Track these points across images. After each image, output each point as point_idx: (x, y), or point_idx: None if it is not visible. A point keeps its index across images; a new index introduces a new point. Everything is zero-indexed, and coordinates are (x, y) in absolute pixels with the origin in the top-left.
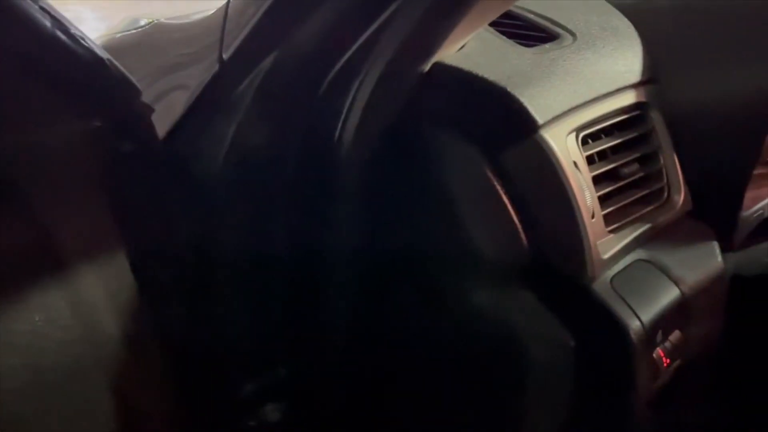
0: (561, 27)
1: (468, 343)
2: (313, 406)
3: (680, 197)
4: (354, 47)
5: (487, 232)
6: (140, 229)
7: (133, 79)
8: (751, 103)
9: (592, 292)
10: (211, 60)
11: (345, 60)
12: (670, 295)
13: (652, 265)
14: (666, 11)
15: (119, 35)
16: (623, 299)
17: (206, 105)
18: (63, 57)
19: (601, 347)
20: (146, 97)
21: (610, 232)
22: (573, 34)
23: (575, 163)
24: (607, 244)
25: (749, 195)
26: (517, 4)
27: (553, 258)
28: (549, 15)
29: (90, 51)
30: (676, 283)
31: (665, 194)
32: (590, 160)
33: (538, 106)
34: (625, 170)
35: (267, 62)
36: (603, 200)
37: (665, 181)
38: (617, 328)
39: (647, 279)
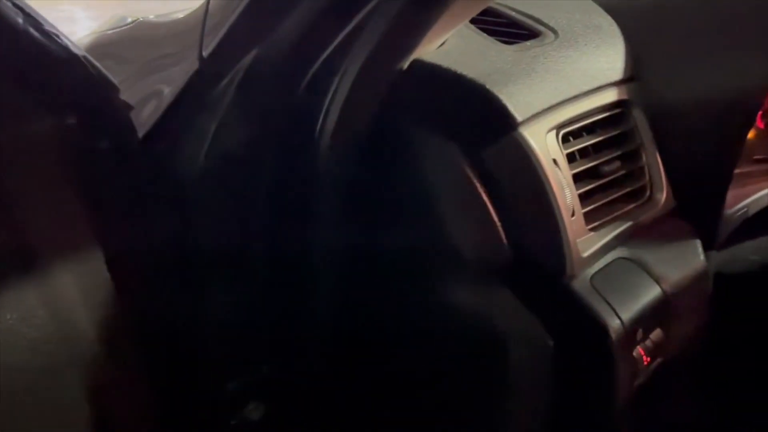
0: (543, 24)
1: (448, 341)
2: (294, 404)
3: (662, 195)
4: (333, 44)
5: (466, 230)
6: (117, 227)
7: (111, 77)
8: (732, 101)
9: (571, 290)
10: (192, 58)
11: (324, 57)
12: (651, 293)
13: (633, 263)
14: (649, 9)
15: (103, 33)
16: (603, 297)
17: (187, 103)
18: (35, 53)
19: (580, 345)
20: (128, 95)
21: (591, 230)
22: (555, 32)
23: (555, 161)
24: (588, 242)
25: (733, 193)
26: (500, 1)
27: (533, 256)
28: (531, 12)
29: (64, 48)
30: (658, 282)
31: (647, 192)
32: (571, 157)
33: (517, 104)
34: (607, 168)
35: (247, 60)
36: (584, 198)
37: (647, 179)
38: (597, 326)
39: (628, 277)
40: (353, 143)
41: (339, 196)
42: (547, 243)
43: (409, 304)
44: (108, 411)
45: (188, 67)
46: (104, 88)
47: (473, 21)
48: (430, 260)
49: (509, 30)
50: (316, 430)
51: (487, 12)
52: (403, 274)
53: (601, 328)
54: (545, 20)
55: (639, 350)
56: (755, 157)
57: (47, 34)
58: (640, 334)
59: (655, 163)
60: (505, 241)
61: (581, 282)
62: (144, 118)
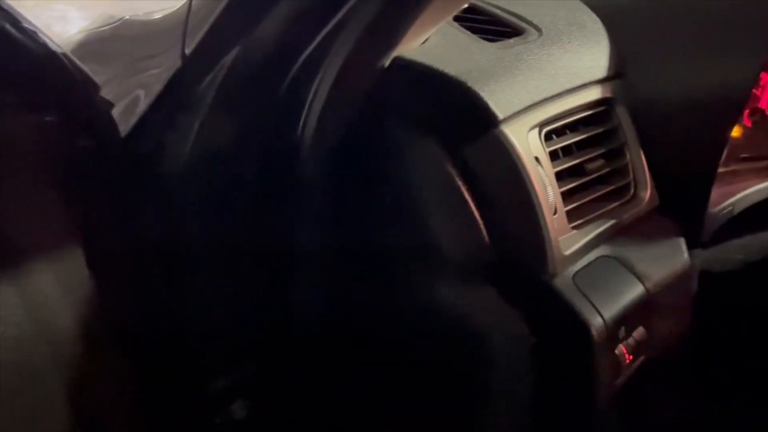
0: (526, 22)
1: (431, 339)
2: (279, 403)
3: (646, 193)
4: (315, 42)
5: (448, 227)
6: (99, 225)
7: (91, 74)
8: (716, 99)
9: (553, 288)
10: (174, 56)
11: (306, 55)
12: (633, 291)
13: (616, 261)
14: (634, 7)
15: (89, 32)
16: (585, 295)
17: (170, 101)
18: (12, 51)
19: (562, 343)
20: (112, 93)
21: (574, 228)
22: (539, 30)
23: (537, 159)
24: (570, 240)
25: (719, 191)
26: None
27: (515, 254)
28: (515, 10)
29: (42, 46)
30: (641, 280)
31: (631, 190)
32: (554, 155)
33: (498, 101)
34: (590, 166)
35: (229, 58)
36: (567, 196)
37: (631, 177)
38: (578, 324)
39: (611, 275)
40: (336, 140)
41: (322, 193)
42: (529, 241)
43: (393, 302)
44: (90, 410)
45: (171, 65)
46: (84, 85)
47: (456, 18)
48: (412, 258)
49: (493, 27)
50: (301, 429)
51: (471, 9)
52: (386, 272)
53: (583, 326)
54: (529, 18)
55: (621, 348)
56: (742, 155)
57: (25, 32)
58: (622, 332)
59: (639, 161)
60: (487, 239)
61: (563, 280)
62: (127, 116)
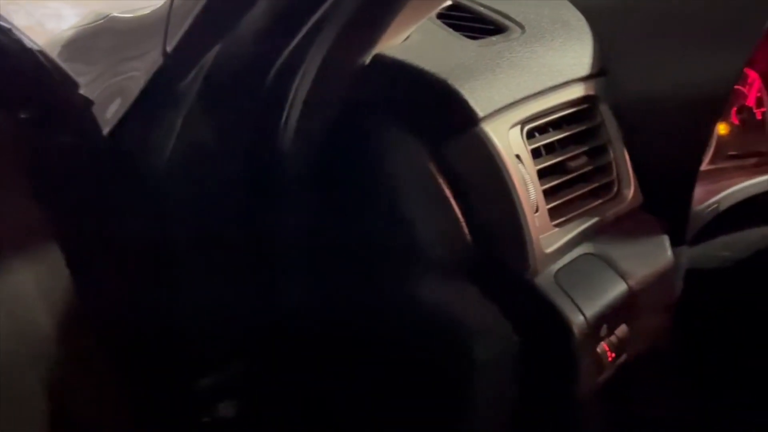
0: (510, 19)
1: (413, 337)
2: (267, 402)
3: (630, 191)
4: (296, 39)
5: (430, 226)
6: (81, 224)
7: (68, 71)
8: (699, 96)
9: (535, 286)
10: (156, 54)
11: (288, 52)
12: (616, 289)
13: (599, 259)
14: (618, 4)
15: (75, 29)
16: (566, 293)
17: (152, 98)
18: None
19: (544, 341)
20: (96, 90)
21: (556, 225)
22: (522, 27)
23: (519, 157)
24: (552, 238)
25: (705, 189)
26: None
27: (496, 252)
28: (499, 7)
29: (17, 42)
30: (623, 277)
31: (615, 188)
32: (537, 153)
33: (479, 99)
34: (573, 164)
35: (211, 55)
36: (549, 194)
37: (614, 174)
38: (559, 322)
39: (593, 273)
40: (318, 137)
41: (305, 190)
42: (510, 239)
43: (377, 301)
44: (72, 410)
45: (153, 62)
46: (61, 82)
47: (439, 16)
48: (395, 256)
49: (475, 25)
50: (289, 427)
51: (454, 7)
52: (370, 270)
53: (564, 324)
54: (513, 15)
55: (603, 346)
56: (729, 153)
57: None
58: (604, 330)
59: (622, 158)
60: (469, 237)
61: (545, 278)
62: (110, 113)
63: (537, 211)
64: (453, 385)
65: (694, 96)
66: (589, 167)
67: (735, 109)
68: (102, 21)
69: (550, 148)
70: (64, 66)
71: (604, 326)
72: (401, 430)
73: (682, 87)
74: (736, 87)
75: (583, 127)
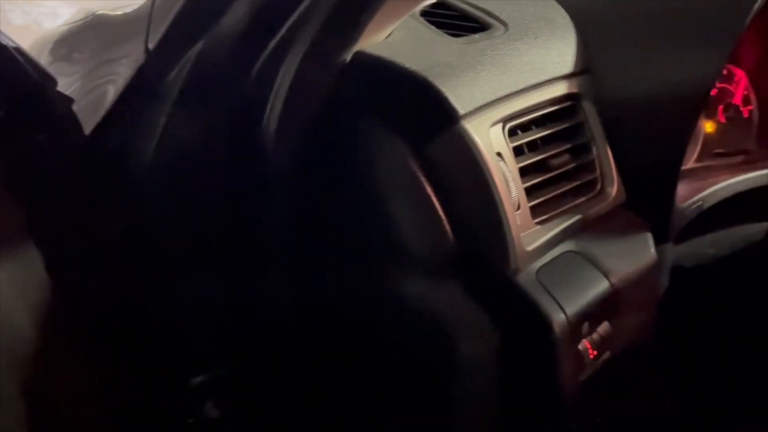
0: (493, 17)
1: (395, 334)
2: (254, 403)
3: (613, 189)
4: (278, 36)
5: (412, 223)
6: (58, 224)
7: (47, 69)
8: (680, 93)
9: (516, 284)
10: (139, 51)
11: (269, 49)
12: (598, 286)
13: (581, 257)
14: (602, 1)
15: (63, 27)
16: (548, 291)
17: (135, 96)
18: None
19: (525, 339)
20: (79, 89)
21: (538, 223)
22: (505, 25)
23: (500, 154)
24: (533, 236)
25: (691, 186)
26: None
27: (477, 250)
28: (483, 5)
29: None
30: (606, 275)
31: (598, 186)
32: (519, 151)
33: (460, 97)
34: (555, 161)
35: (193, 52)
36: (531, 192)
37: (598, 172)
38: (540, 319)
39: (575, 271)
40: (299, 134)
41: (288, 189)
42: (491, 237)
43: (358, 298)
44: (52, 412)
45: (135, 60)
46: (39, 80)
47: (422, 13)
48: (377, 253)
49: (459, 23)
50: (275, 428)
51: (438, 5)
52: (351, 267)
53: (545, 322)
54: (497, 13)
55: (585, 344)
56: (716, 151)
57: None
58: (586, 327)
59: (605, 156)
60: (451, 234)
61: (526, 276)
62: (94, 112)
63: (518, 208)
64: (435, 383)
65: (676, 93)
66: (572, 165)
67: (722, 107)
68: (88, 19)
69: (532, 146)
70: (52, 65)
71: (586, 324)
72: (385, 427)
73: (664, 85)
74: (723, 85)
75: (566, 125)
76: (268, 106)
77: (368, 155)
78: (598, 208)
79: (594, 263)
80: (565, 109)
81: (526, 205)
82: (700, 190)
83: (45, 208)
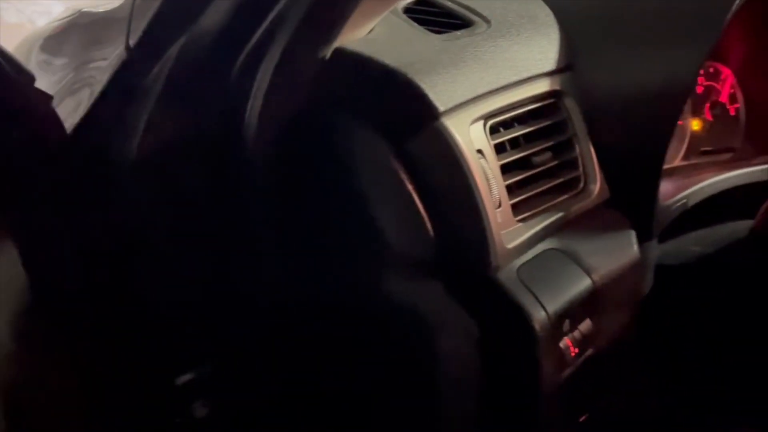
0: (476, 14)
1: (378, 332)
2: (240, 402)
3: (596, 186)
4: (259, 32)
5: (393, 220)
6: (36, 222)
7: (24, 65)
8: (661, 90)
9: (496, 282)
10: (120, 48)
11: (251, 45)
12: (580, 284)
13: (563, 254)
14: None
15: (51, 24)
16: (528, 288)
17: (116, 94)
18: None
19: (506, 337)
20: (61, 86)
21: (519, 221)
22: (488, 21)
23: (481, 152)
24: (514, 234)
25: (675, 184)
26: None
27: (458, 247)
28: (466, 2)
29: None
30: (588, 273)
31: (581, 183)
32: (501, 148)
33: (439, 94)
34: (537, 159)
35: (174, 49)
36: (513, 189)
37: (580, 170)
38: (520, 317)
39: (557, 268)
40: (281, 132)
41: (270, 186)
42: (471, 234)
43: (339, 295)
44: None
45: (117, 57)
46: (15, 76)
47: (405, 10)
48: (357, 250)
49: (441, 19)
50: (262, 427)
51: (420, 1)
52: (332, 264)
53: (525, 319)
54: (479, 9)
55: (566, 341)
56: (702, 149)
57: None
58: (567, 325)
59: (588, 153)
60: (431, 232)
61: (507, 273)
62: (74, 109)
63: (500, 206)
64: (416, 381)
65: (657, 91)
66: (555, 162)
67: (708, 105)
68: (74, 17)
69: (514, 143)
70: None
71: (567, 321)
72: (370, 423)
73: (645, 82)
74: (709, 83)
75: (548, 122)
76: (249, 103)
77: (349, 152)
78: (580, 206)
79: (576, 261)
80: (548, 107)
81: (507, 202)
82: (686, 188)
83: (24, 207)
